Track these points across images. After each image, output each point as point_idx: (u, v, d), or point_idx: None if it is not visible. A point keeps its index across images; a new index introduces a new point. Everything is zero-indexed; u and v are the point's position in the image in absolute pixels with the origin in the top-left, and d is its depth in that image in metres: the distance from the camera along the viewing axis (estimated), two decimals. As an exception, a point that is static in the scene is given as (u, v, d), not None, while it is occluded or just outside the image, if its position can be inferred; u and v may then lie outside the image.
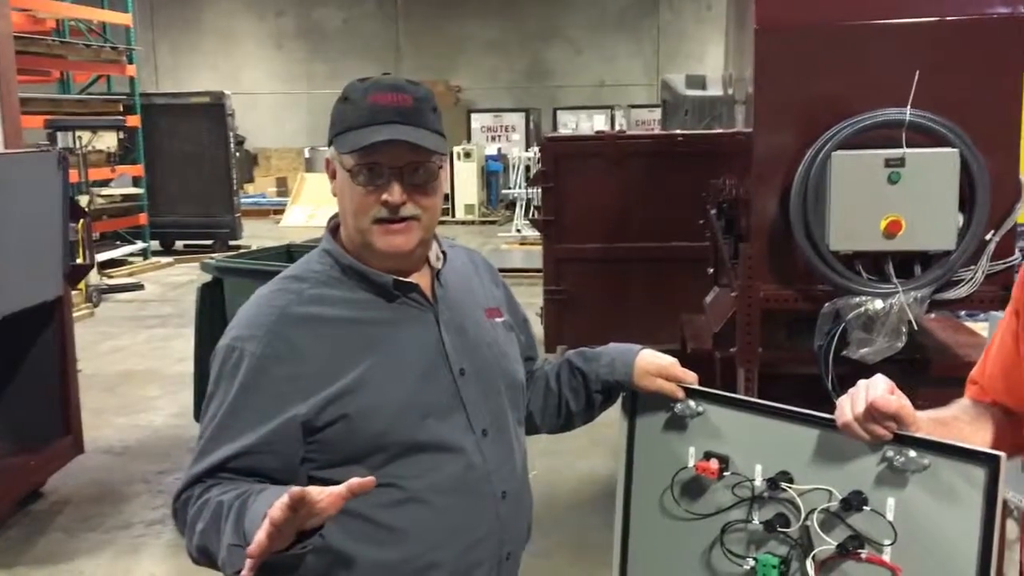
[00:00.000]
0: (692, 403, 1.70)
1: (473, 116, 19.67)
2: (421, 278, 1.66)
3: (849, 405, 1.45)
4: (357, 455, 1.53)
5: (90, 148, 11.14)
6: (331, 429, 1.52)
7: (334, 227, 1.68)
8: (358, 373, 1.53)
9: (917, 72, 2.77)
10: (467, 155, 17.05)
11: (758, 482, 1.59)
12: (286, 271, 1.67)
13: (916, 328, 2.92)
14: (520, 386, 1.78)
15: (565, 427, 1.93)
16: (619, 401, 1.82)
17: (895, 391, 1.44)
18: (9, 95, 8.91)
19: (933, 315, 3.51)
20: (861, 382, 1.46)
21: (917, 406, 1.48)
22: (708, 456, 1.64)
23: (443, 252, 1.71)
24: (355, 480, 1.33)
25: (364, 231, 1.57)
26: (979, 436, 1.55)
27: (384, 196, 1.54)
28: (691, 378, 1.73)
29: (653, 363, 1.75)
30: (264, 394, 1.50)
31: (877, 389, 1.43)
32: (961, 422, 1.58)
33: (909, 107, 2.80)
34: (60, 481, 4.95)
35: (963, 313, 4.30)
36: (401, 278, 1.62)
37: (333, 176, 1.62)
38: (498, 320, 1.77)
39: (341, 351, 1.55)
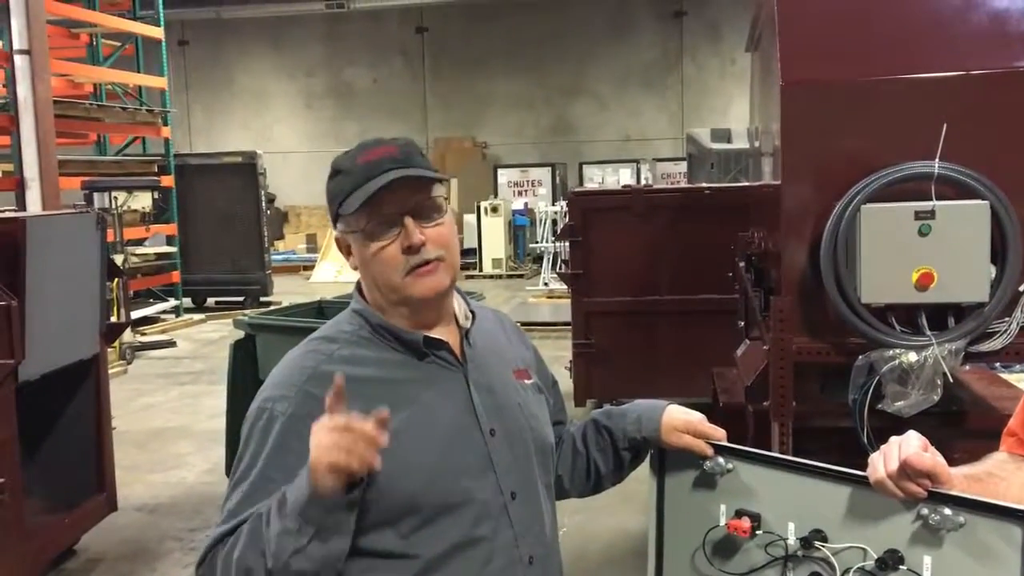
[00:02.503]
0: (721, 460, 1.68)
1: (500, 171, 19.86)
2: (450, 336, 1.66)
3: (882, 462, 1.43)
4: (388, 518, 1.52)
5: (125, 208, 11.34)
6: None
7: (362, 287, 1.69)
8: (387, 432, 1.53)
9: (945, 125, 2.78)
10: (494, 210, 17.18)
11: (791, 540, 1.58)
12: (317, 332, 1.68)
13: (951, 381, 2.89)
14: (550, 448, 1.76)
15: (595, 489, 1.91)
16: (647, 459, 1.81)
17: (928, 448, 1.43)
18: (48, 157, 9.19)
19: (968, 367, 3.47)
20: (893, 439, 1.45)
21: (954, 459, 1.47)
22: (739, 514, 1.63)
23: (471, 312, 1.72)
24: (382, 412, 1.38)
25: (398, 288, 1.58)
26: (1014, 491, 1.53)
27: (406, 243, 1.55)
28: (719, 434, 1.71)
29: (680, 419, 1.74)
30: (294, 454, 1.49)
31: (910, 446, 1.42)
32: (996, 478, 1.55)
33: (938, 160, 2.81)
34: (93, 539, 4.96)
35: (998, 365, 4.25)
36: (431, 335, 1.62)
37: (348, 252, 1.63)
38: (527, 382, 1.76)
39: (370, 411, 1.54)
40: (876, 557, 1.46)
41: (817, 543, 1.53)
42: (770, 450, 3.06)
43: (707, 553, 1.69)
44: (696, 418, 1.73)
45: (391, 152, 1.59)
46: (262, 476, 1.51)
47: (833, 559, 1.51)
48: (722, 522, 1.66)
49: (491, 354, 1.72)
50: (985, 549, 1.37)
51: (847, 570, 1.49)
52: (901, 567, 1.44)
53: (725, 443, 1.70)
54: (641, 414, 1.78)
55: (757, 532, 1.61)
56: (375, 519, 1.51)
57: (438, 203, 1.61)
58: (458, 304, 1.71)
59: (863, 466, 1.51)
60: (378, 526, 1.51)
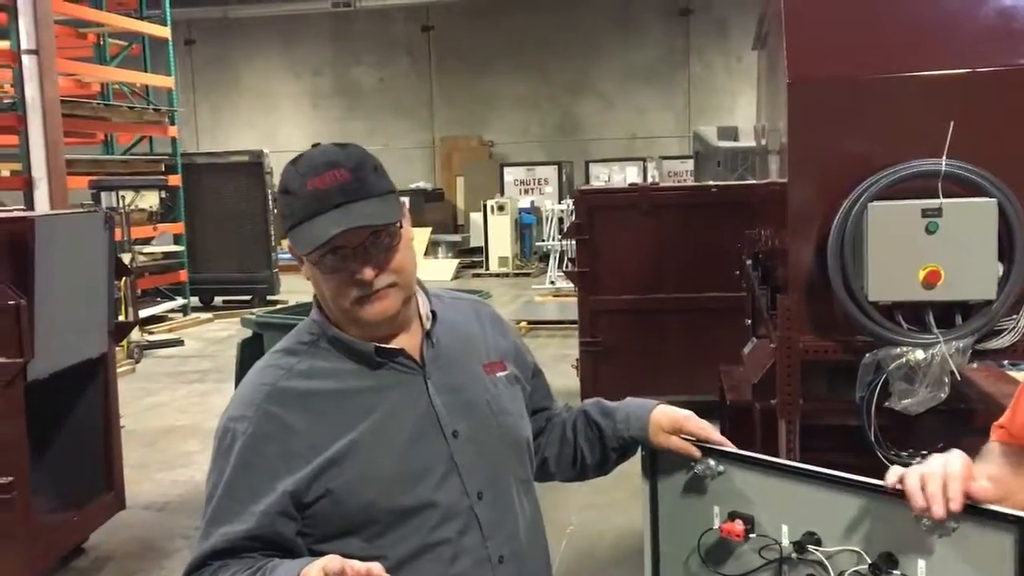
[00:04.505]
0: (712, 462, 1.67)
1: (506, 170, 19.83)
2: (409, 340, 1.64)
3: (918, 481, 1.36)
4: (348, 528, 1.54)
5: (133, 207, 11.38)
6: (318, 504, 1.53)
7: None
8: (343, 445, 1.53)
9: (952, 123, 2.78)
10: (500, 208, 17.17)
11: (785, 543, 1.57)
12: (280, 343, 1.67)
13: (959, 379, 2.89)
14: (524, 443, 1.73)
15: (579, 477, 1.91)
16: (639, 458, 1.80)
17: (971, 466, 1.37)
18: (56, 157, 9.22)
19: (975, 365, 3.47)
20: (936, 458, 1.39)
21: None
22: (733, 517, 1.62)
23: (432, 312, 1.68)
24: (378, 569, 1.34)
25: (347, 311, 1.57)
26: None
27: (356, 277, 1.52)
28: (707, 431, 1.69)
29: (667, 417, 1.72)
30: (257, 473, 1.52)
31: (956, 471, 1.35)
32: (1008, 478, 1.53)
33: (945, 157, 2.80)
34: (102, 537, 4.98)
35: (1006, 363, 4.24)
36: (384, 345, 1.60)
37: (301, 261, 1.59)
38: (500, 374, 1.73)
39: (328, 424, 1.55)
40: (870, 561, 1.45)
41: (811, 546, 1.52)
42: (777, 448, 3.06)
43: (702, 556, 1.68)
44: (682, 415, 1.72)
45: (342, 179, 1.51)
46: (226, 496, 1.54)
47: (827, 562, 1.50)
48: (715, 525, 1.65)
49: (458, 351, 1.69)
50: (978, 555, 1.36)
51: (841, 573, 1.48)
52: (895, 571, 1.43)
53: (714, 446, 1.68)
54: (630, 413, 1.78)
55: (751, 535, 1.60)
56: (336, 530, 1.54)
57: (392, 231, 1.54)
58: (422, 304, 1.68)
59: (870, 464, 1.50)
60: (340, 536, 1.54)
